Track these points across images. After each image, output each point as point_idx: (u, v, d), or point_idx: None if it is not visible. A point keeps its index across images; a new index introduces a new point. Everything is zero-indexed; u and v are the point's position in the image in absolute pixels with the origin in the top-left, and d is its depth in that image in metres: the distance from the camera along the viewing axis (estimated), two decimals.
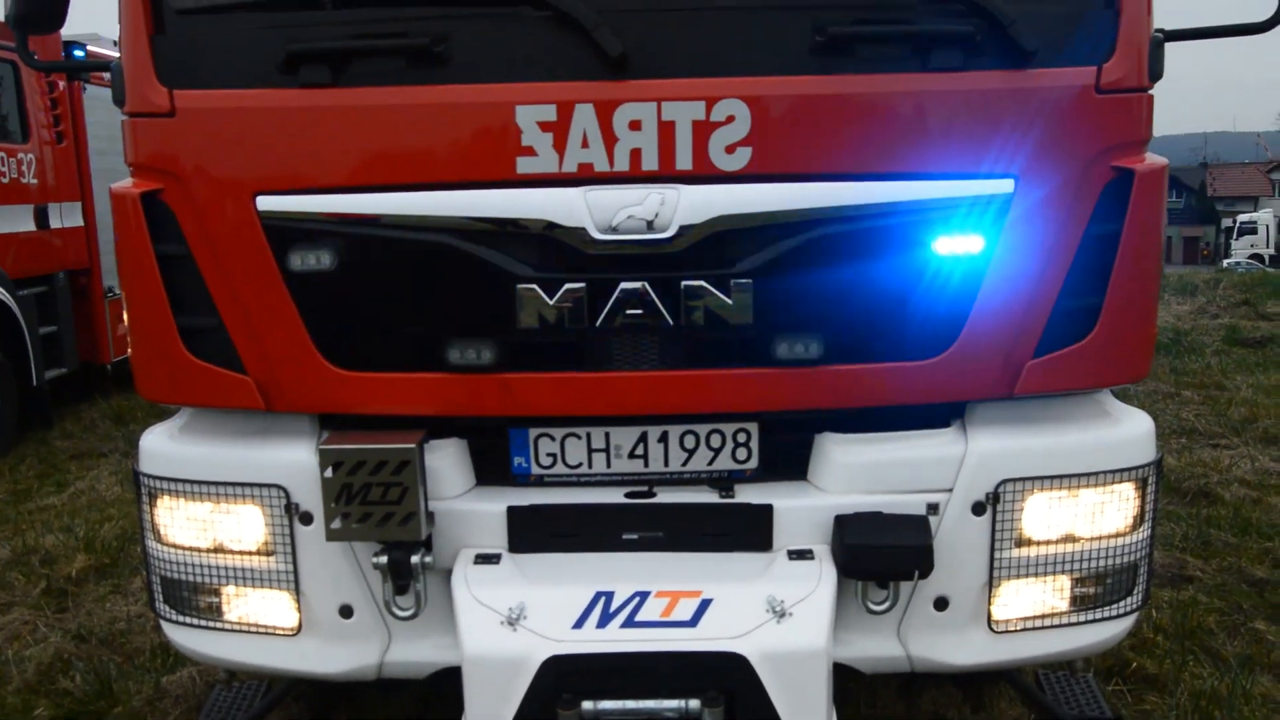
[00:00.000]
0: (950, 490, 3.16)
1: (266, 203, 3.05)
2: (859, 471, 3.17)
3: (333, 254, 3.06)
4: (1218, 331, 14.60)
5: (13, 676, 4.98)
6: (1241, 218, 67.16)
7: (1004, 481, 3.13)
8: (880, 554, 3.04)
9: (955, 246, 3.00)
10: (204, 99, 3.07)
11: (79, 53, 9.41)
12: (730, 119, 2.89)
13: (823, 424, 3.25)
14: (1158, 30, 3.13)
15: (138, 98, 3.12)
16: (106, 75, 3.45)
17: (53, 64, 9.03)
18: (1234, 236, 63.89)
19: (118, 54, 3.22)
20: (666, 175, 2.92)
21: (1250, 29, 3.20)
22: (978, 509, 3.14)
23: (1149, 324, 3.27)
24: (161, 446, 3.41)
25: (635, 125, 2.90)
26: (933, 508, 3.15)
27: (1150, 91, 3.10)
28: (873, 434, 3.23)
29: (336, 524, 3.05)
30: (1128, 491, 3.25)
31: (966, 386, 3.15)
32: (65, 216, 10.58)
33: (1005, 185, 2.97)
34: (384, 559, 3.12)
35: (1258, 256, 54.78)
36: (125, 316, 3.42)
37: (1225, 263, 50.76)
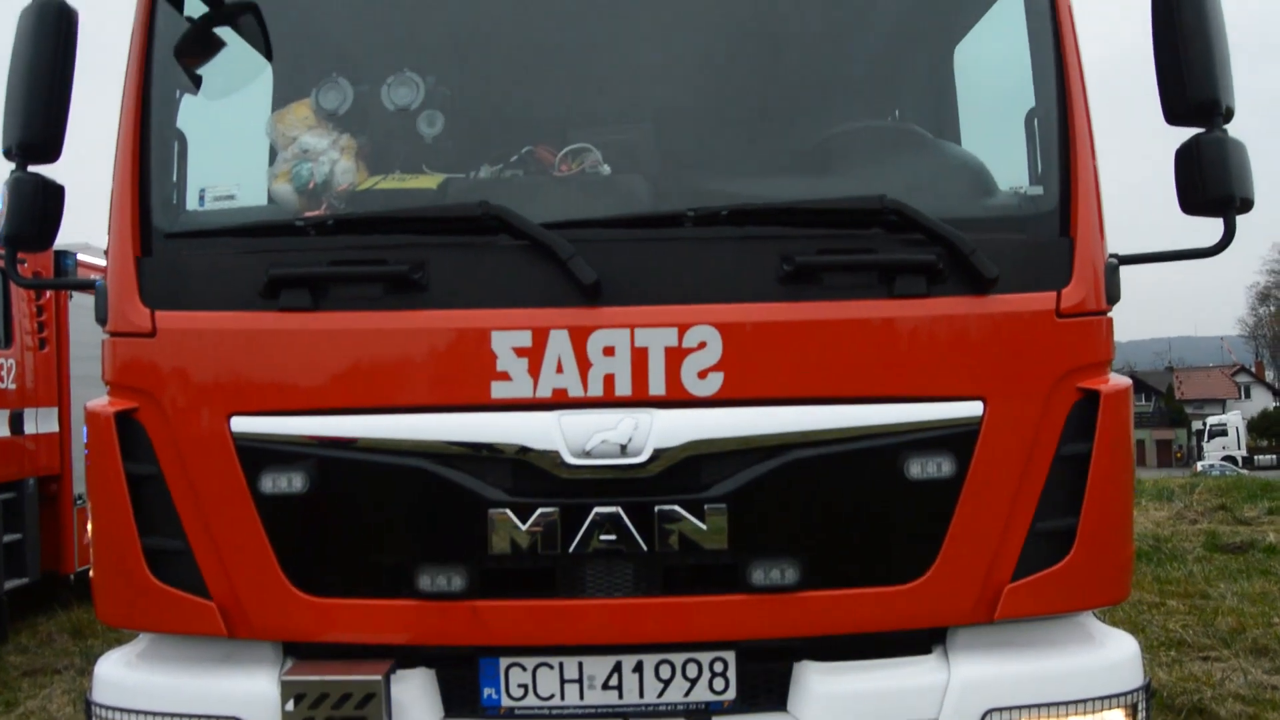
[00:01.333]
0: (936, 719, 3.05)
1: (241, 424, 3.05)
2: (840, 702, 3.07)
3: (305, 477, 3.05)
4: (1197, 537, 14.54)
5: None
6: (1211, 420, 68.30)
7: (990, 711, 3.03)
8: None
9: (928, 469, 3.02)
10: (185, 320, 3.13)
11: (69, 262, 9.61)
12: (702, 345, 2.96)
13: (802, 651, 3.16)
14: (1113, 255, 3.26)
15: (120, 318, 3.17)
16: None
17: (39, 282, 9.30)
18: (1205, 439, 64.77)
19: (105, 263, 3.29)
20: (640, 400, 2.96)
21: (1201, 253, 3.32)
22: None
23: (1125, 544, 3.27)
24: (118, 675, 3.28)
25: (609, 351, 2.95)
26: None
27: (1109, 314, 3.20)
28: (853, 662, 3.14)
29: None
30: (1118, 719, 3.15)
31: (945, 611, 3.10)
32: (41, 422, 10.53)
33: (974, 408, 3.03)
34: None
35: (1230, 459, 55.39)
36: (90, 534, 3.36)
37: (1199, 465, 51.24)
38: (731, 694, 3.14)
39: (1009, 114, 3.43)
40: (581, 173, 3.24)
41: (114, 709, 3.17)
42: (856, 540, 3.07)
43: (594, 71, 3.49)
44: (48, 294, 10.55)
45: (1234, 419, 66.07)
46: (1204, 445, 64.03)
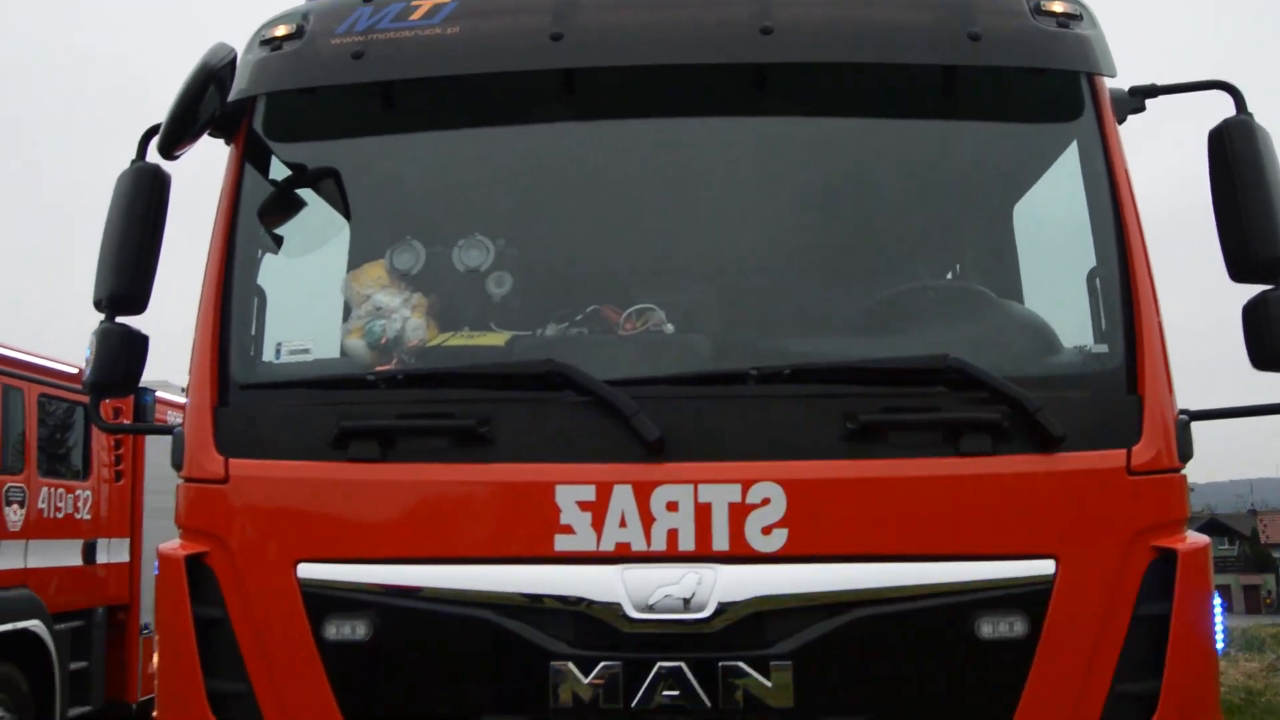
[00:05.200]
0: None
1: (307, 570, 3.11)
2: None
3: (368, 624, 3.08)
4: None
5: None
6: None
7: None
8: None
9: (1000, 628, 2.96)
10: (258, 468, 3.22)
11: (148, 399, 9.94)
12: (766, 501, 2.97)
13: None
14: (1183, 411, 3.22)
15: (195, 465, 3.28)
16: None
17: (119, 427, 9.67)
18: None
19: (182, 400, 3.41)
20: (703, 555, 2.97)
21: (1273, 409, 3.28)
22: None
23: (1212, 704, 3.16)
24: None
25: (672, 506, 2.98)
26: None
27: (1182, 471, 3.15)
28: None
29: None
30: None
31: None
32: (112, 552, 10.76)
33: (1045, 566, 2.98)
34: None
35: None
36: (154, 668, 3.40)
37: None
38: None
39: (1070, 272, 3.47)
40: (645, 331, 3.32)
41: None
42: (928, 699, 2.99)
43: (658, 233, 3.61)
44: None
45: None
46: None
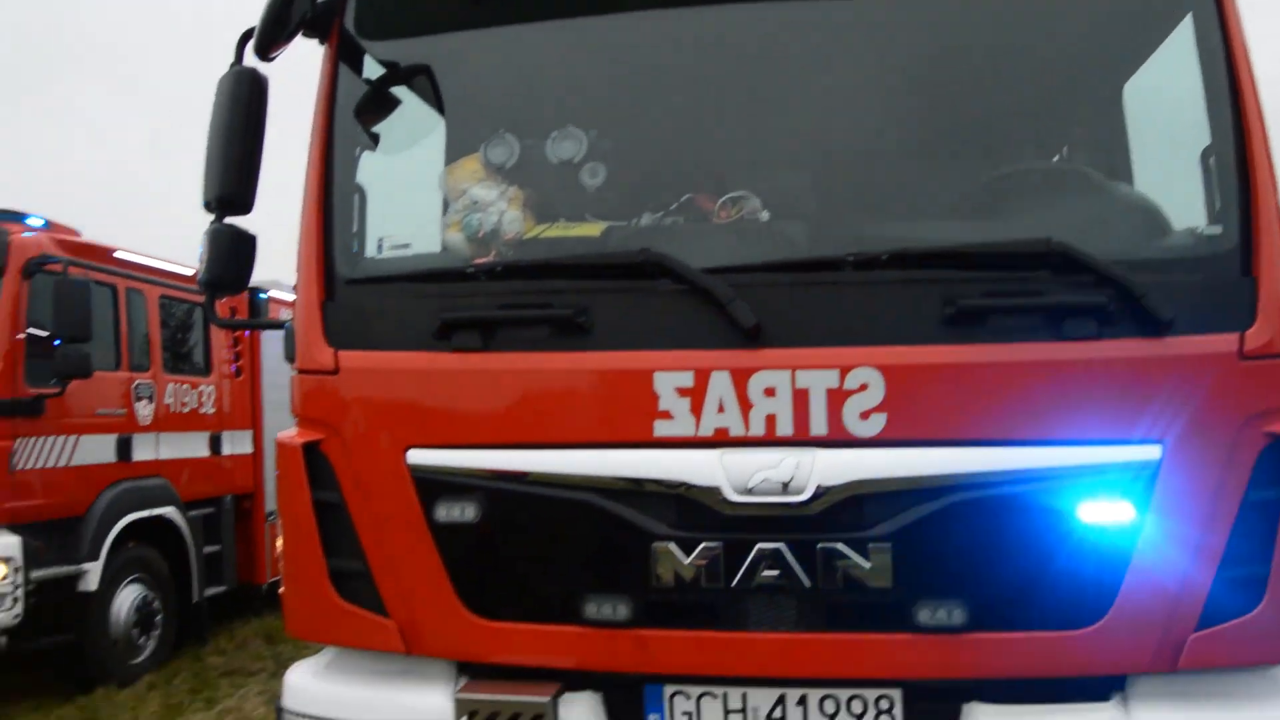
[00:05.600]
0: None
1: (417, 456, 3.24)
2: None
3: (476, 507, 3.19)
4: None
5: None
6: None
7: None
8: None
9: (1102, 513, 2.94)
10: (365, 359, 3.34)
11: (261, 297, 10.29)
12: (864, 386, 2.97)
13: (972, 692, 3.10)
14: None
15: (307, 357, 3.42)
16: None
17: (235, 322, 10.10)
18: None
19: (292, 299, 3.54)
20: (802, 440, 2.99)
21: None
22: None
23: None
24: (306, 684, 3.52)
25: (770, 392, 3.00)
26: None
27: None
28: (1027, 705, 3.06)
29: None
30: None
31: (1123, 659, 3.00)
32: (236, 444, 11.30)
33: (1151, 451, 2.93)
34: None
35: None
36: (279, 551, 3.61)
37: None
38: None
39: (1183, 153, 3.31)
40: (741, 219, 3.31)
41: (303, 715, 3.41)
42: (1027, 583, 2.99)
43: (752, 119, 3.54)
44: None
45: None
46: None
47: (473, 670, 3.35)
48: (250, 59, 3.56)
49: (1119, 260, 2.96)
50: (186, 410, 10.44)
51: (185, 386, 10.46)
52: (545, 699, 3.06)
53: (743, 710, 3.18)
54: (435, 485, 3.23)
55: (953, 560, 3.00)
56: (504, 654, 3.25)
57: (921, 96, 3.47)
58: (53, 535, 8.69)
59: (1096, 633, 2.96)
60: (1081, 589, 2.97)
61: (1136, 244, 3.24)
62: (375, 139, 3.69)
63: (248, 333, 11.55)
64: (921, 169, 3.47)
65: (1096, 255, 2.95)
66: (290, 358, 3.52)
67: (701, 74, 3.59)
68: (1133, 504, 2.93)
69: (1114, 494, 2.93)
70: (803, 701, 3.15)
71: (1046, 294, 3.00)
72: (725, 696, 3.19)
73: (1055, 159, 3.78)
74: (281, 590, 3.70)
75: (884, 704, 3.12)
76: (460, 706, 3.10)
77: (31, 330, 8.56)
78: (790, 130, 3.50)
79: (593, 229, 3.44)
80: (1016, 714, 3.05)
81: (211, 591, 10.75)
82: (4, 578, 8.15)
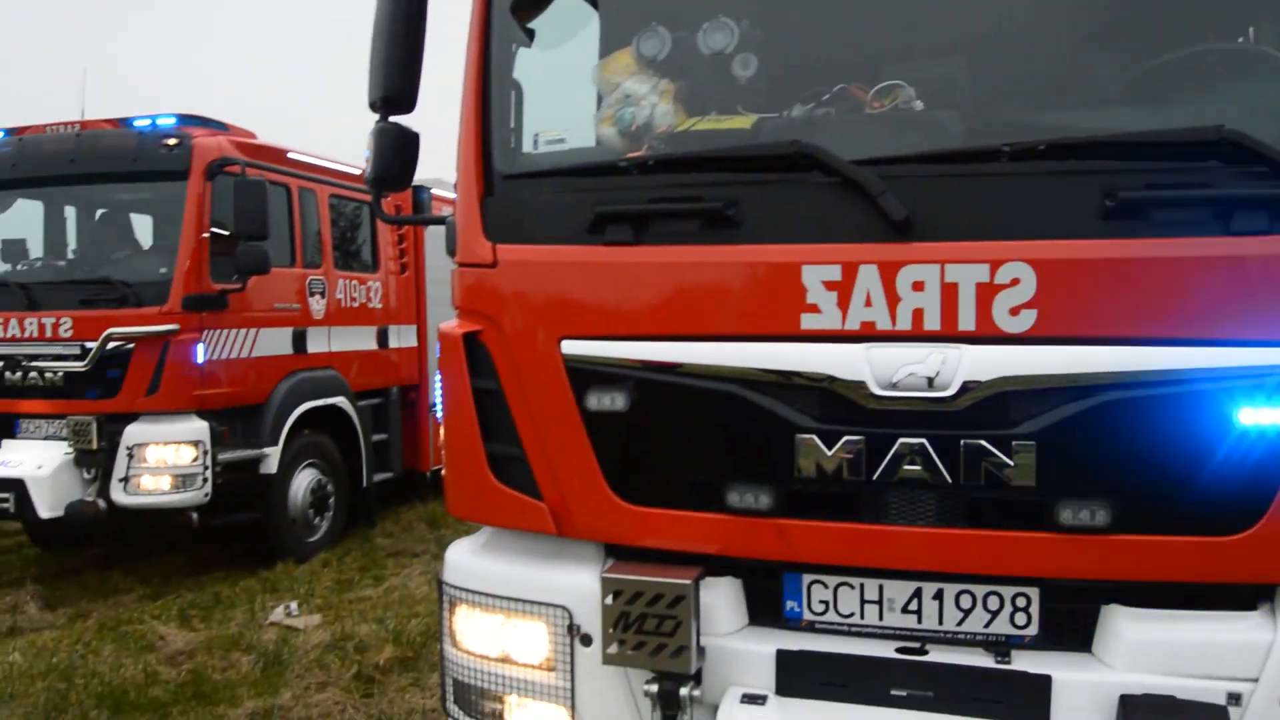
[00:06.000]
0: (1256, 680, 2.89)
1: (570, 347, 3.35)
2: (1151, 650, 2.97)
3: (626, 396, 3.29)
4: None
5: None
6: None
7: None
8: None
9: (1260, 416, 2.82)
10: (522, 253, 3.45)
11: (425, 195, 10.61)
12: (1015, 282, 2.90)
13: (1111, 594, 3.08)
14: None
15: (467, 251, 3.55)
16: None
17: (398, 218, 10.46)
18: None
19: (454, 197, 3.67)
20: (949, 335, 2.96)
21: None
22: None
23: None
24: (464, 559, 3.74)
25: (918, 286, 2.97)
26: (1234, 698, 2.89)
27: None
28: (1168, 610, 3.02)
29: (613, 649, 3.22)
30: None
31: (1274, 568, 2.91)
32: (402, 338, 11.81)
33: None
34: (654, 688, 3.23)
35: None
36: (442, 439, 3.81)
37: None
38: (1033, 629, 3.13)
39: None
40: (893, 109, 3.23)
41: (461, 589, 3.64)
42: (1176, 487, 2.91)
43: (907, 7, 3.43)
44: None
45: None
46: None
47: (619, 553, 3.49)
48: None
49: None
50: (356, 305, 10.96)
51: (354, 282, 10.96)
52: (688, 581, 3.17)
53: (878, 601, 3.23)
54: (587, 375, 3.34)
55: (1099, 461, 2.93)
56: (649, 538, 3.37)
57: None
58: (236, 421, 9.37)
59: (1248, 539, 2.87)
60: (1234, 495, 2.87)
61: None
62: (531, 35, 3.74)
63: (413, 229, 11.97)
64: (1086, 53, 3.29)
65: (1273, 143, 2.77)
66: (451, 252, 3.66)
67: None
68: None
69: (1274, 397, 2.80)
70: (939, 596, 3.18)
71: (1215, 185, 2.85)
72: (862, 587, 3.25)
73: (1238, 41, 3.50)
74: (443, 473, 3.91)
75: (1021, 601, 3.13)
76: (606, 585, 3.24)
77: (214, 229, 9.08)
78: (946, 15, 3.37)
79: (744, 121, 3.42)
80: (1158, 618, 3.01)
81: (379, 477, 11.40)
82: (194, 459, 8.85)
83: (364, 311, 11.14)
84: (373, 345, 11.32)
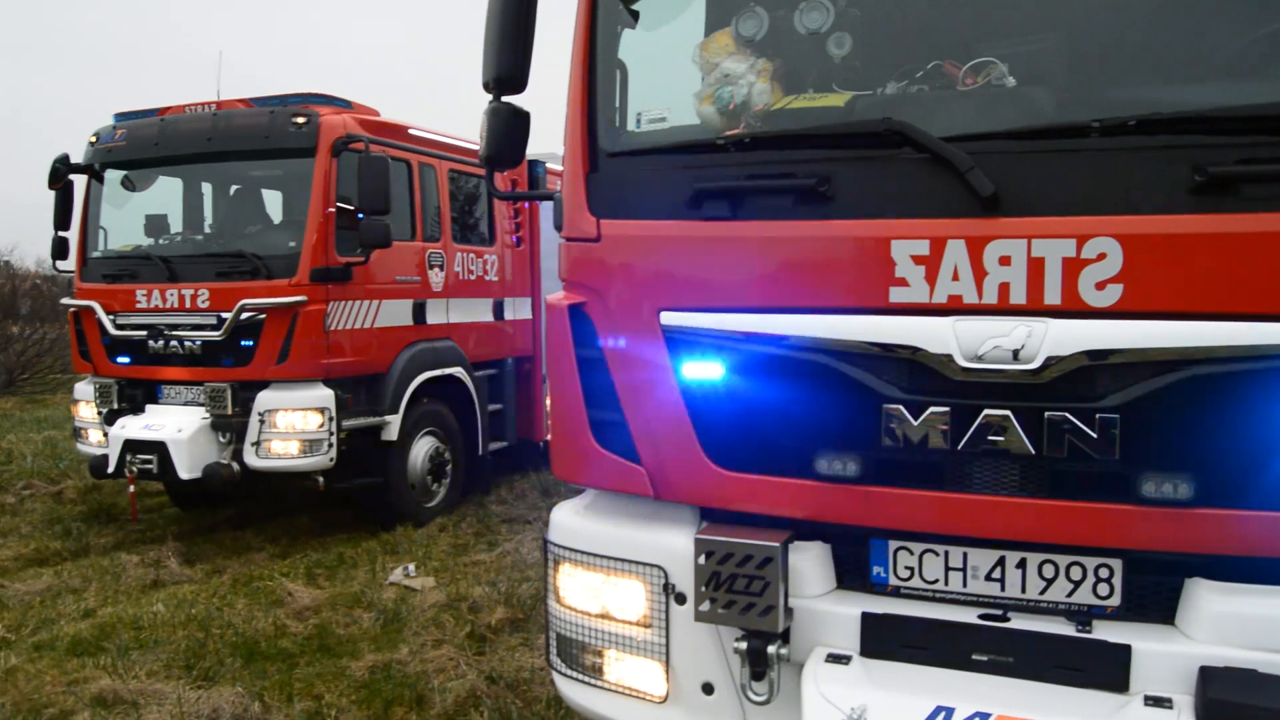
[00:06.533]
0: None
1: (669, 318, 3.51)
2: (1233, 623, 2.99)
3: (721, 366, 3.44)
4: None
5: (435, 704, 5.81)
6: None
7: None
8: (1251, 714, 2.85)
9: None
10: (625, 227, 3.62)
11: (539, 170, 10.86)
12: (1101, 257, 2.94)
13: (1196, 568, 3.10)
14: None
15: (573, 226, 3.73)
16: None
17: (511, 194, 10.76)
18: None
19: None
20: (1034, 309, 3.01)
21: None
22: None
23: None
24: (567, 520, 3.94)
25: (1005, 261, 3.03)
26: None
27: None
28: (1253, 585, 3.03)
29: (705, 607, 3.38)
30: None
31: None
32: (517, 310, 12.13)
33: None
34: (744, 645, 3.39)
35: None
36: (548, 404, 4.01)
37: None
38: (1116, 600, 3.18)
39: None
40: (985, 85, 3.27)
41: (565, 548, 3.84)
42: (1257, 461, 2.91)
43: None
44: None
45: None
46: None
47: (714, 516, 3.64)
48: None
49: None
50: (473, 278, 11.31)
51: (472, 255, 11.30)
52: (775, 544, 3.30)
53: (963, 569, 3.32)
54: (684, 345, 3.49)
55: (1183, 435, 2.96)
56: (741, 502, 3.51)
57: None
58: (359, 390, 9.80)
59: None
60: None
61: None
62: (635, 16, 3.88)
63: (528, 204, 12.26)
64: (1179, 28, 3.27)
65: None
66: (558, 227, 3.85)
67: None
68: None
69: None
70: (1022, 565, 3.24)
71: None
72: (947, 555, 3.33)
73: None
74: (549, 437, 4.11)
75: (1103, 573, 3.17)
76: (699, 546, 3.39)
77: (340, 204, 9.48)
78: None
79: (838, 99, 3.50)
80: (1241, 593, 3.02)
81: (495, 446, 11.76)
82: (320, 426, 9.30)
83: (481, 284, 11.48)
84: (489, 317, 11.66)
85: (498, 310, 11.81)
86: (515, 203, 11.99)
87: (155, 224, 10.61)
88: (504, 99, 3.91)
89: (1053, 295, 3.00)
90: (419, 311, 10.47)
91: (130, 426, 9.47)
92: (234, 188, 10.93)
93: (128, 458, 9.30)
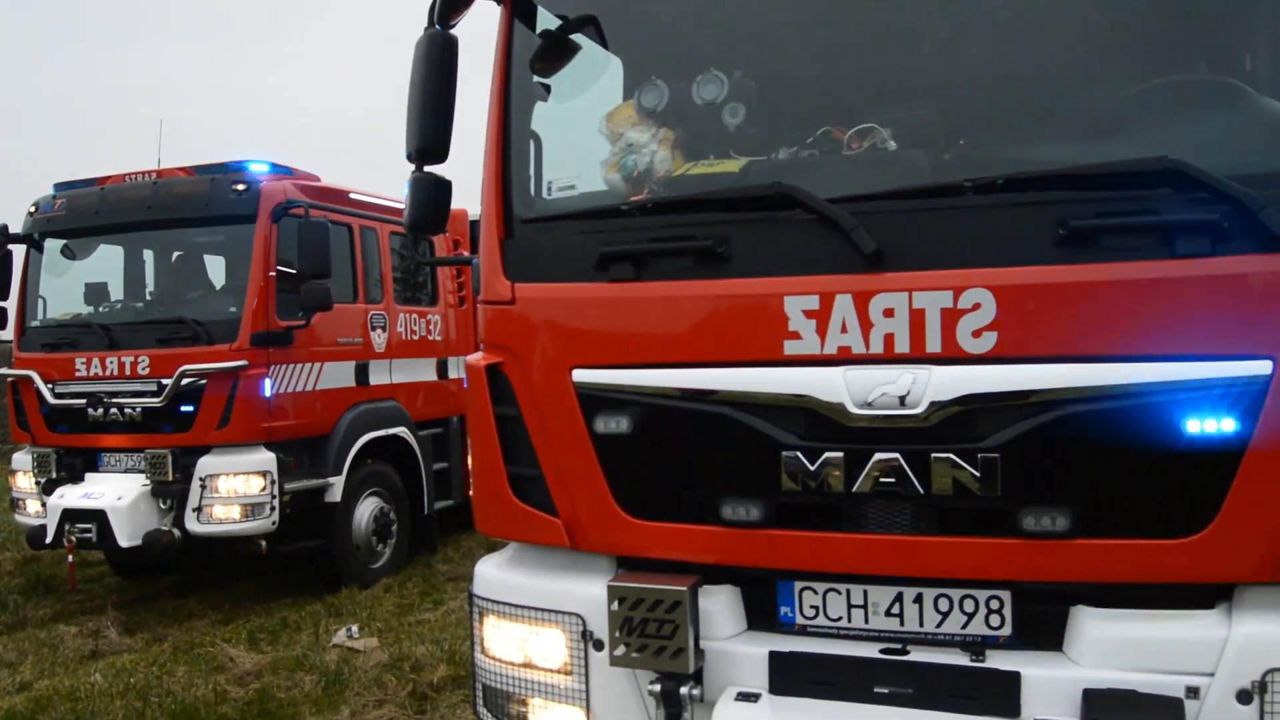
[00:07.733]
0: (1212, 675, 3.07)
1: (580, 375, 3.67)
2: (1113, 647, 3.17)
3: (630, 420, 3.60)
4: None
5: None
6: None
7: (1271, 671, 3.01)
8: None
9: (1208, 426, 3.02)
10: (537, 290, 3.79)
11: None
12: (976, 306, 3.15)
13: (1080, 596, 3.28)
14: None
15: (489, 289, 3.89)
16: None
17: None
18: None
19: None
20: (918, 357, 3.22)
21: None
22: (1243, 697, 3.04)
23: None
24: (491, 573, 4.06)
25: (889, 313, 3.24)
26: (1192, 691, 3.07)
27: None
28: (1131, 610, 3.22)
29: (619, 651, 3.50)
30: None
31: (1227, 568, 3.09)
32: (461, 368, 12.17)
33: (1262, 367, 2.98)
34: (658, 687, 3.51)
35: None
36: (469, 463, 4.13)
37: None
38: (1007, 630, 3.34)
39: None
40: (870, 149, 3.50)
41: (489, 600, 3.96)
42: (1132, 493, 3.13)
43: (880, 55, 3.67)
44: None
45: None
46: None
47: (629, 564, 3.77)
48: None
49: (1242, 175, 2.97)
50: (416, 338, 11.40)
51: (415, 316, 11.41)
52: (684, 588, 3.44)
53: (864, 606, 3.48)
54: (595, 400, 3.65)
55: (1060, 470, 3.16)
56: (652, 549, 3.65)
57: (1048, 23, 3.51)
58: (302, 452, 9.81)
59: (1200, 542, 3.06)
60: (1186, 500, 3.07)
61: (1266, 159, 3.20)
62: (547, 89, 4.08)
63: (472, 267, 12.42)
64: (1044, 94, 3.52)
65: (1220, 171, 2.98)
66: (476, 290, 4.01)
67: (835, 15, 3.73)
68: (1239, 418, 2.99)
69: (1222, 409, 2.99)
70: (919, 599, 3.41)
71: (1160, 212, 3.06)
72: (849, 593, 3.49)
73: (1197, 72, 3.64)
74: (471, 493, 4.23)
75: (994, 604, 3.34)
76: (612, 593, 3.52)
77: (280, 268, 9.58)
78: (917, 62, 3.62)
79: (734, 164, 3.71)
80: (1121, 617, 3.20)
81: (440, 505, 11.76)
82: (262, 489, 9.31)
83: (424, 344, 11.57)
84: (433, 376, 11.74)
85: (442, 369, 11.90)
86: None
87: (95, 292, 10.62)
88: (426, 169, 4.06)
89: (934, 344, 3.20)
90: (362, 373, 10.54)
91: (69, 495, 9.41)
92: (175, 254, 10.98)
93: (66, 527, 9.23)
